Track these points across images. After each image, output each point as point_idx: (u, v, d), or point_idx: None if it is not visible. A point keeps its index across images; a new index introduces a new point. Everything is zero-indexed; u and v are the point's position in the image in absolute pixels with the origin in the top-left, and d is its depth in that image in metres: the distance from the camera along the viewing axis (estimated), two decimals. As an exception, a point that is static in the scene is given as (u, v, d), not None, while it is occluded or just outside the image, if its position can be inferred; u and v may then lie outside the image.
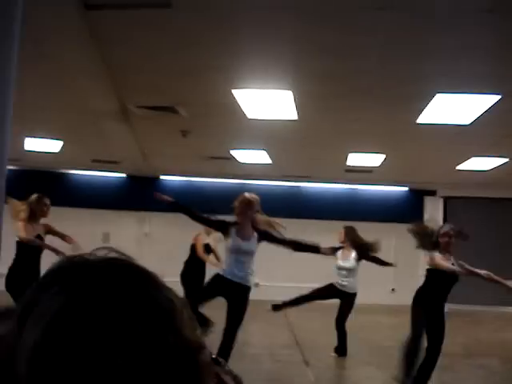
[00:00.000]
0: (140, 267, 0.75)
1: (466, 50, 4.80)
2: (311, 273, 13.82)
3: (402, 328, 6.85)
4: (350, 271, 8.35)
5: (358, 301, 8.48)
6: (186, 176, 14.74)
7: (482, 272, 6.34)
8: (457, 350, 9.34)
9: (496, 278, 6.33)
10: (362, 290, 8.67)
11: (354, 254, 8.42)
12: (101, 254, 0.75)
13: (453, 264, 6.43)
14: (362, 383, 7.49)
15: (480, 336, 10.56)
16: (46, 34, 4.76)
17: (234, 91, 6.25)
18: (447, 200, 14.76)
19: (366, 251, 8.34)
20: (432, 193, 14.63)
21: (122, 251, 0.77)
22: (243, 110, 7.00)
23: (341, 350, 8.22)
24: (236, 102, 6.62)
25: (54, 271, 0.73)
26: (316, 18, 4.25)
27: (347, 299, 8.33)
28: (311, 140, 9.17)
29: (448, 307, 14.10)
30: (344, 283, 8.35)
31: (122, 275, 0.72)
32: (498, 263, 14.11)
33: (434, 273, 6.42)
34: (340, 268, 8.41)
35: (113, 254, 0.75)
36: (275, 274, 13.66)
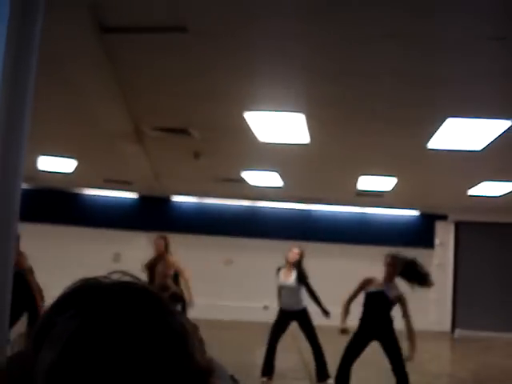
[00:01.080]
0: (153, 291, 0.77)
1: (477, 76, 4.83)
2: (323, 295, 13.78)
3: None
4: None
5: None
6: (197, 197, 14.81)
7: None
8: (467, 376, 9.27)
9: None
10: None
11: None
12: (115, 277, 0.77)
13: (383, 291, 6.64)
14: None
15: (490, 362, 10.46)
16: (62, 56, 4.84)
17: (245, 114, 6.31)
18: (459, 225, 14.71)
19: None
20: (443, 217, 14.59)
21: (135, 275, 0.79)
22: (255, 133, 7.05)
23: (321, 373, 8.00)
24: (248, 125, 6.68)
25: (69, 294, 0.75)
26: (326, 45, 4.31)
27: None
28: (322, 163, 9.21)
29: (458, 333, 14.04)
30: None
31: (136, 299, 0.74)
32: (509, 285, 14.05)
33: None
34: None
35: (127, 278, 0.77)
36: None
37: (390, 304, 6.69)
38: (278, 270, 8.50)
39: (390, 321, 6.67)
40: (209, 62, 4.82)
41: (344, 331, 6.82)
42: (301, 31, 4.12)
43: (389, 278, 6.73)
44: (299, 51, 4.50)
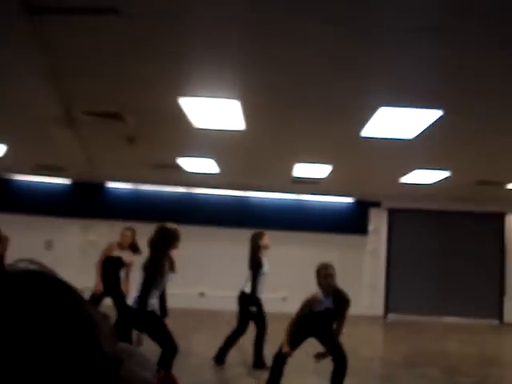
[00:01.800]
0: (60, 281, 0.75)
1: (410, 66, 4.90)
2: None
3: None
4: None
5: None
6: (132, 183, 14.60)
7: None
8: (399, 359, 9.51)
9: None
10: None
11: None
12: (22, 265, 0.75)
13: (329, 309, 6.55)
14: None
15: (421, 345, 10.76)
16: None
17: (180, 100, 6.23)
18: (392, 211, 15.04)
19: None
20: (377, 204, 14.87)
21: (43, 264, 0.77)
22: (190, 118, 6.98)
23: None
24: (182, 110, 6.60)
25: None
26: (263, 30, 4.28)
27: None
28: (258, 150, 9.22)
29: (390, 317, 14.39)
30: None
31: (39, 288, 0.72)
32: (439, 271, 14.50)
33: None
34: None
35: (34, 266, 0.75)
36: (220, 283, 13.63)
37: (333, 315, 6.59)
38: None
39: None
40: (141, 46, 4.71)
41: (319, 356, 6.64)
42: (235, 17, 4.08)
43: (329, 290, 6.55)
44: (234, 37, 4.45)
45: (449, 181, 11.08)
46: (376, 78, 5.32)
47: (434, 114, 6.29)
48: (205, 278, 14.17)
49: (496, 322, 14.53)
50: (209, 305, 13.70)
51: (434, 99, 5.87)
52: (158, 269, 6.26)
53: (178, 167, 11.06)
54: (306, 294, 6.65)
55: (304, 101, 6.19)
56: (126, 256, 9.17)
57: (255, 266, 8.20)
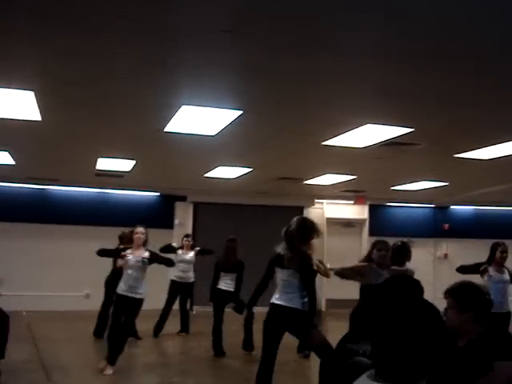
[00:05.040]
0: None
1: (209, 65, 4.92)
2: (54, 280, 13.28)
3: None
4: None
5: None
6: None
7: None
8: (199, 352, 9.64)
9: None
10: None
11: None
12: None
13: None
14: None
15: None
16: None
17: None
18: (197, 205, 15.21)
19: None
20: (183, 198, 14.96)
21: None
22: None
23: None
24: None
25: None
26: (58, 20, 4.03)
27: None
28: (58, 143, 8.78)
29: (195, 310, 14.48)
30: None
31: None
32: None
33: None
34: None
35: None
36: (16, 283, 12.89)
37: None
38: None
39: None
40: None
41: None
42: (32, 7, 3.80)
43: None
44: (31, 23, 4.13)
45: (251, 176, 11.45)
46: (178, 76, 5.28)
47: (234, 114, 6.42)
48: None
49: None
50: (5, 306, 12.85)
51: (233, 99, 5.98)
52: None
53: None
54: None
55: (106, 94, 5.97)
56: None
57: None
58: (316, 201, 15.76)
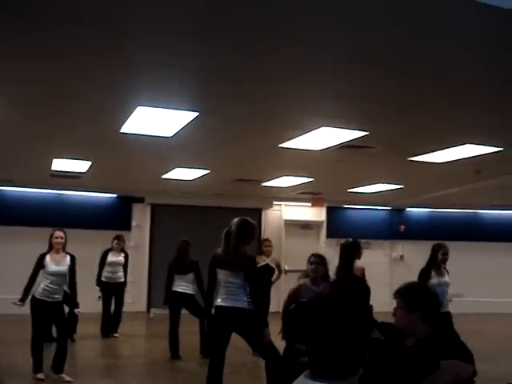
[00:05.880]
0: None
1: (167, 67, 4.92)
2: (9, 283, 13.03)
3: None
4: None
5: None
6: None
7: None
8: (158, 355, 9.59)
9: None
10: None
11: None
12: None
13: None
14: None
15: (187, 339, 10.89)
16: None
17: None
18: (155, 207, 15.13)
19: None
20: (140, 200, 14.86)
21: None
22: None
23: None
24: None
25: None
26: (18, 19, 3.97)
27: None
28: (12, 142, 8.63)
29: (153, 312, 14.39)
30: None
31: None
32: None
33: None
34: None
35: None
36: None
37: None
38: None
39: None
40: None
41: None
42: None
43: None
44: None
45: (209, 178, 11.44)
46: (134, 77, 5.26)
47: (190, 115, 6.42)
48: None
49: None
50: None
51: (190, 101, 5.98)
52: None
53: None
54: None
55: (61, 94, 5.90)
56: None
57: None
58: (274, 203, 15.86)
